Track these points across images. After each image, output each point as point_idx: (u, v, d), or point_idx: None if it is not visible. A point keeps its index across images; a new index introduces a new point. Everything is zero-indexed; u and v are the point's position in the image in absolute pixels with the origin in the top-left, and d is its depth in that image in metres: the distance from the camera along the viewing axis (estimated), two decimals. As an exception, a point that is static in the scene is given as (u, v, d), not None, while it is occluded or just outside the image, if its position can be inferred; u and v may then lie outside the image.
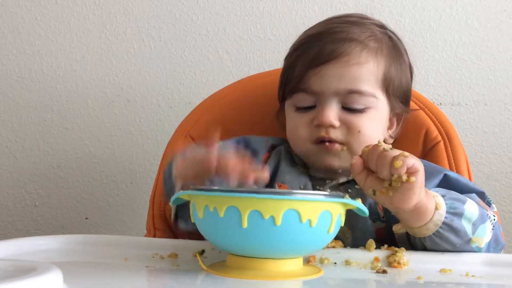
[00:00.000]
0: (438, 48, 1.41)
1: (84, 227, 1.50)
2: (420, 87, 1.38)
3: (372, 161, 0.74)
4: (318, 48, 0.92)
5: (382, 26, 0.98)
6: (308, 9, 1.42)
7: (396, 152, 0.72)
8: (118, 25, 1.48)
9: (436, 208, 0.77)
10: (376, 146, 0.75)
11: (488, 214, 0.83)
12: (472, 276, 0.73)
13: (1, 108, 1.51)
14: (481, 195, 0.88)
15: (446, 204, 0.78)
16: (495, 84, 1.40)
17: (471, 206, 0.80)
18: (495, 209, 0.88)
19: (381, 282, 0.71)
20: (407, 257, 0.78)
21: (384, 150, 0.73)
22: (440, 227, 0.77)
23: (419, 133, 1.07)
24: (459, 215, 0.78)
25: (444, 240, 0.78)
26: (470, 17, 1.40)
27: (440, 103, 1.40)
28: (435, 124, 1.07)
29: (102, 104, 1.49)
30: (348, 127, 0.91)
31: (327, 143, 0.92)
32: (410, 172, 0.71)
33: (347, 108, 0.92)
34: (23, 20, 1.50)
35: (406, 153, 0.72)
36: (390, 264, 0.77)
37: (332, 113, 0.91)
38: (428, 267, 0.76)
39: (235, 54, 1.46)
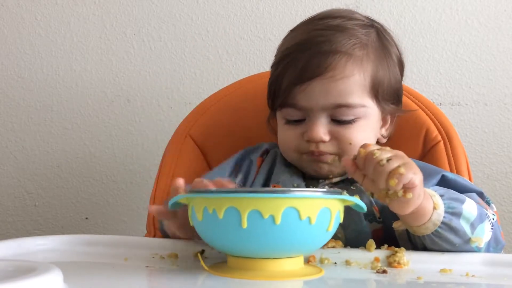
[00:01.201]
0: (438, 48, 1.41)
1: (84, 227, 1.50)
2: (420, 87, 1.39)
3: (368, 171, 0.73)
4: (303, 62, 0.90)
5: (367, 26, 0.95)
6: (308, 9, 1.42)
7: (393, 164, 0.71)
8: (118, 25, 1.48)
9: (434, 208, 0.77)
10: (370, 156, 0.73)
11: (487, 214, 0.82)
12: (472, 276, 0.73)
13: (1, 108, 1.51)
14: (480, 195, 0.88)
15: (445, 204, 0.78)
16: (495, 84, 1.40)
17: (469, 206, 0.80)
18: (495, 209, 0.88)
19: (381, 282, 0.71)
20: (407, 257, 0.77)
21: (380, 164, 0.71)
22: (439, 226, 0.77)
23: (419, 133, 1.07)
24: (458, 215, 0.78)
25: (443, 240, 0.78)
26: (470, 17, 1.40)
27: (440, 103, 1.40)
28: (435, 124, 1.07)
29: (102, 104, 1.49)
30: (338, 140, 0.91)
31: (317, 155, 0.92)
32: (407, 188, 0.71)
33: (336, 120, 0.91)
34: (23, 20, 1.50)
35: (402, 169, 0.70)
36: (390, 264, 0.77)
37: (322, 128, 0.90)
38: (428, 267, 0.76)
39: (235, 54, 1.46)
